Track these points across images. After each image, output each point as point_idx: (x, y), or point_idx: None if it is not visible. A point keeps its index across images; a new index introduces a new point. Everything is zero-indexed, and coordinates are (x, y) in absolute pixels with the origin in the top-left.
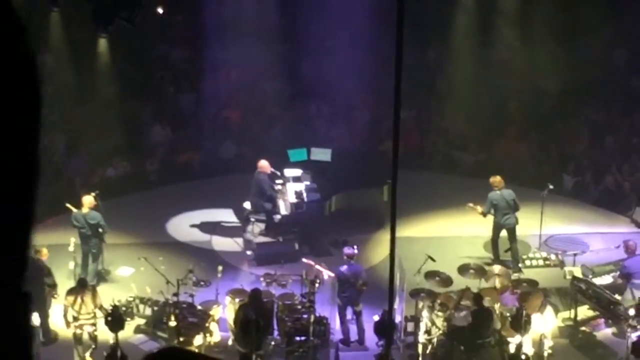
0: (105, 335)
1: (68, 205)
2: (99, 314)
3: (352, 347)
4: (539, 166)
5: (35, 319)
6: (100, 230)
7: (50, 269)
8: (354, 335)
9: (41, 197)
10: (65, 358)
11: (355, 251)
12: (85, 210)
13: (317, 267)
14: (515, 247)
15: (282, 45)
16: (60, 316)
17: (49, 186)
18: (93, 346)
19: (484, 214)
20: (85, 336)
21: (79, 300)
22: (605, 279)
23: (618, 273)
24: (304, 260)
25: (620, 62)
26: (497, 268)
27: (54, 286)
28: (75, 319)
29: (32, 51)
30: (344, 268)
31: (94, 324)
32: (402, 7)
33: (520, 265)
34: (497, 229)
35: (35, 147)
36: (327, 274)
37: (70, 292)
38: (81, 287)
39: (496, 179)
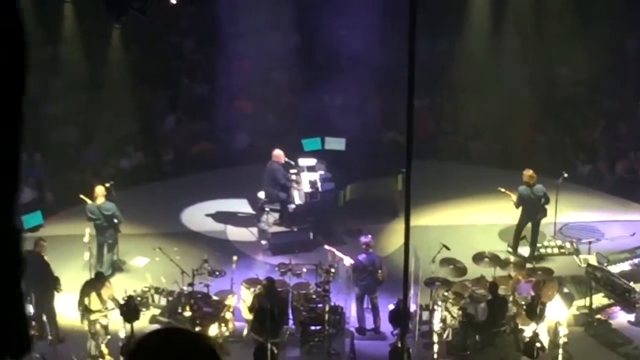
0: (119, 325)
1: (82, 196)
2: (111, 305)
3: (367, 336)
4: (553, 155)
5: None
6: (115, 221)
7: (48, 264)
8: (369, 324)
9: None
10: (78, 351)
11: (370, 239)
12: (99, 201)
13: (338, 253)
14: (535, 240)
15: (295, 35)
16: (73, 309)
17: (63, 177)
18: (108, 336)
19: (516, 207)
20: (99, 328)
21: (95, 293)
22: (621, 267)
23: (634, 260)
24: (326, 247)
25: (632, 49)
26: (512, 257)
27: (56, 281)
28: (91, 312)
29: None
30: (362, 257)
31: (106, 316)
32: None
33: (535, 254)
34: (522, 222)
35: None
36: (348, 260)
37: (88, 285)
38: (98, 281)
39: (528, 174)
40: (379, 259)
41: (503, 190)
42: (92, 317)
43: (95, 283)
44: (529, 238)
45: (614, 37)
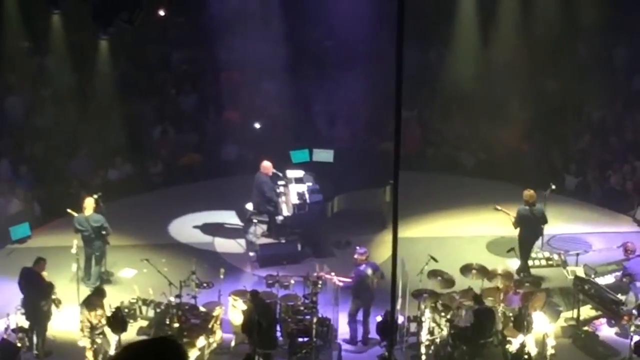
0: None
1: (69, 210)
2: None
3: (355, 348)
4: (541, 166)
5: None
6: (104, 232)
7: (52, 285)
8: (359, 335)
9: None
10: None
11: (366, 251)
12: (87, 213)
13: (329, 276)
14: (526, 258)
15: (284, 46)
16: (60, 322)
17: (50, 188)
18: (107, 350)
19: (515, 227)
20: (99, 342)
21: (98, 310)
22: (608, 279)
23: (621, 273)
24: (315, 273)
25: (621, 60)
26: (499, 268)
27: (57, 301)
28: (95, 327)
29: None
30: (364, 267)
31: (104, 332)
32: (403, 7)
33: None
34: (523, 242)
35: None
36: (340, 280)
37: (90, 303)
38: (99, 297)
39: (529, 193)
40: (377, 266)
41: (499, 208)
42: (97, 332)
43: (96, 299)
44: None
45: (602, 48)
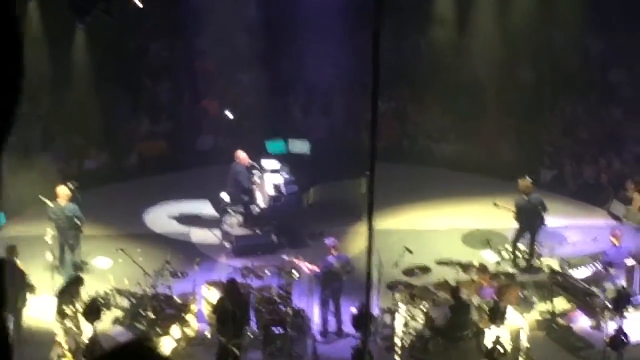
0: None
1: (41, 197)
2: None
3: (329, 339)
4: (517, 158)
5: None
6: (77, 222)
7: (27, 275)
8: (332, 327)
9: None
10: (41, 353)
11: (334, 241)
12: (61, 202)
13: (298, 262)
14: (532, 250)
15: (259, 36)
16: (35, 310)
17: (25, 177)
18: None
19: (515, 219)
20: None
21: (74, 297)
22: (582, 271)
23: (596, 265)
24: (284, 257)
25: (595, 53)
26: (475, 261)
27: (31, 288)
28: (67, 316)
29: None
30: (331, 259)
31: (78, 320)
32: None
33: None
34: (520, 232)
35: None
36: (308, 268)
37: (65, 292)
38: (77, 284)
39: (524, 183)
40: (347, 259)
41: (499, 204)
42: (67, 322)
43: (74, 287)
44: (526, 246)
45: (577, 41)
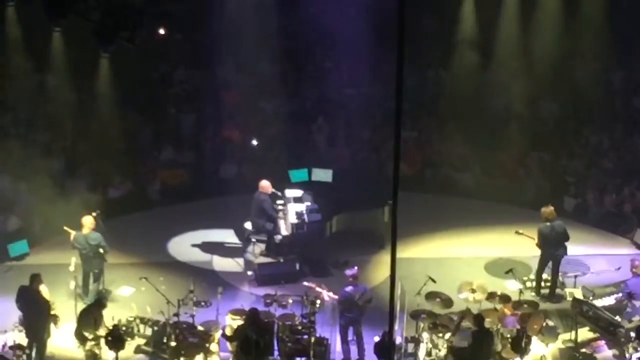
0: (105, 355)
1: (66, 228)
2: (103, 332)
3: None
4: (540, 187)
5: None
6: (102, 250)
7: (49, 303)
8: (354, 356)
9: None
10: None
11: (356, 271)
12: (86, 231)
13: (319, 289)
14: (555, 280)
15: (282, 65)
16: (60, 339)
17: (49, 206)
18: None
19: (539, 247)
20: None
21: (96, 319)
22: (606, 301)
23: (620, 293)
24: (305, 283)
25: (618, 83)
26: (498, 290)
27: (55, 318)
28: (87, 340)
29: None
30: (349, 288)
31: (99, 344)
32: (403, 28)
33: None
34: (544, 261)
35: None
36: (328, 295)
37: (86, 313)
38: (99, 307)
39: (548, 210)
40: (366, 289)
41: (521, 232)
42: (88, 345)
43: (96, 309)
44: (548, 274)
45: (599, 71)
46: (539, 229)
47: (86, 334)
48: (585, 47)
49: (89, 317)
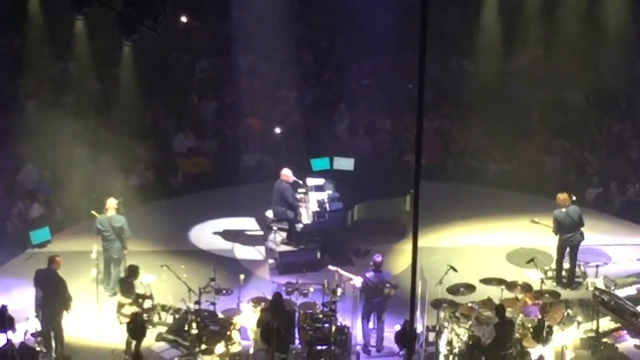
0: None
1: (93, 212)
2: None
3: (373, 356)
4: (563, 177)
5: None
6: (124, 235)
7: (65, 281)
8: (373, 341)
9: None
10: None
11: (381, 259)
12: (109, 213)
13: (344, 273)
14: (573, 265)
15: (304, 53)
16: (80, 326)
17: (71, 193)
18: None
19: (555, 233)
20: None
21: (129, 286)
22: (628, 291)
23: None
24: (330, 267)
25: None
26: (519, 279)
27: (69, 299)
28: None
29: None
30: (371, 275)
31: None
32: (426, 18)
33: (574, 279)
34: (562, 247)
35: None
36: (354, 279)
37: (126, 282)
38: (132, 275)
39: (562, 196)
40: (389, 276)
41: (537, 221)
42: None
43: (129, 277)
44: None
45: (623, 60)
46: (554, 214)
47: (124, 302)
48: (609, 35)
49: (126, 286)
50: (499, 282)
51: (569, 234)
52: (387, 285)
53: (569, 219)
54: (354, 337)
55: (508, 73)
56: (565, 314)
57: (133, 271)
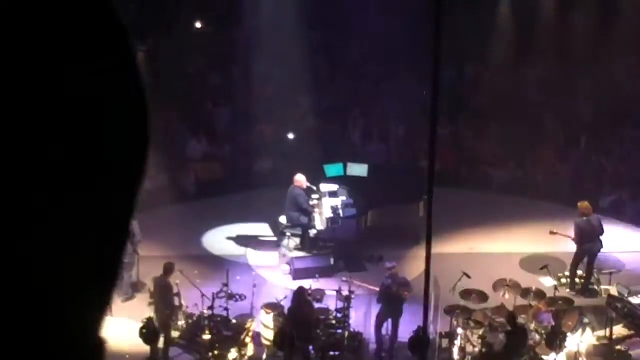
0: (139, 347)
1: None
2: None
3: None
4: (577, 184)
5: None
6: (135, 239)
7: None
8: (385, 347)
9: None
10: None
11: (395, 265)
12: None
13: (358, 283)
14: (589, 273)
15: (318, 59)
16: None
17: None
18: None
19: (576, 242)
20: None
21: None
22: None
23: None
24: (344, 279)
25: None
26: (532, 286)
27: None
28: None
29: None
30: (388, 281)
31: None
32: (440, 24)
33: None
34: (580, 255)
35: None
36: (370, 288)
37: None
38: (167, 273)
39: (584, 205)
40: (405, 281)
41: (555, 231)
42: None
43: (164, 276)
44: (583, 270)
45: (636, 66)
46: (575, 223)
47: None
48: (622, 44)
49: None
50: (513, 287)
51: (590, 243)
52: (404, 289)
53: (590, 228)
54: (367, 343)
55: (522, 79)
56: (579, 321)
57: (169, 269)
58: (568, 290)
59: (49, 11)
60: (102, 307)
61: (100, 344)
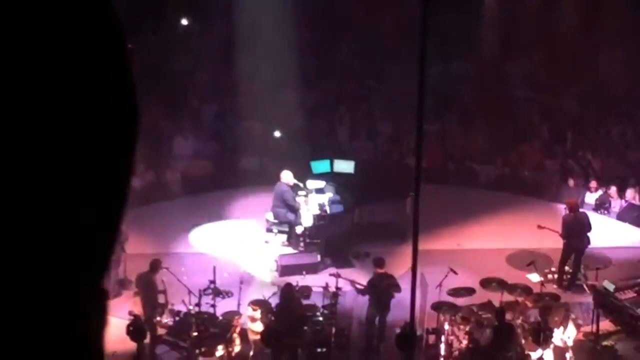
0: (125, 345)
1: None
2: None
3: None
4: (563, 179)
5: None
6: (121, 236)
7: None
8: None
9: None
10: None
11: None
12: None
13: (344, 278)
14: (576, 269)
15: (304, 56)
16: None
17: None
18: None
19: (562, 237)
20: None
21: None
22: (628, 294)
23: None
24: (330, 274)
25: None
26: (519, 282)
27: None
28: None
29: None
30: (376, 276)
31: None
32: (426, 21)
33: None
34: (568, 251)
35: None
36: (357, 285)
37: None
38: (153, 269)
39: (571, 201)
40: (395, 281)
41: (543, 226)
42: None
43: (149, 272)
44: (570, 266)
45: (623, 63)
46: (563, 218)
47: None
48: (608, 37)
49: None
50: (499, 283)
51: (577, 239)
52: (392, 285)
53: (578, 224)
54: (353, 339)
55: (508, 76)
56: (565, 316)
57: (155, 266)
58: (555, 286)
59: (49, 11)
60: (103, 263)
61: (102, 293)
